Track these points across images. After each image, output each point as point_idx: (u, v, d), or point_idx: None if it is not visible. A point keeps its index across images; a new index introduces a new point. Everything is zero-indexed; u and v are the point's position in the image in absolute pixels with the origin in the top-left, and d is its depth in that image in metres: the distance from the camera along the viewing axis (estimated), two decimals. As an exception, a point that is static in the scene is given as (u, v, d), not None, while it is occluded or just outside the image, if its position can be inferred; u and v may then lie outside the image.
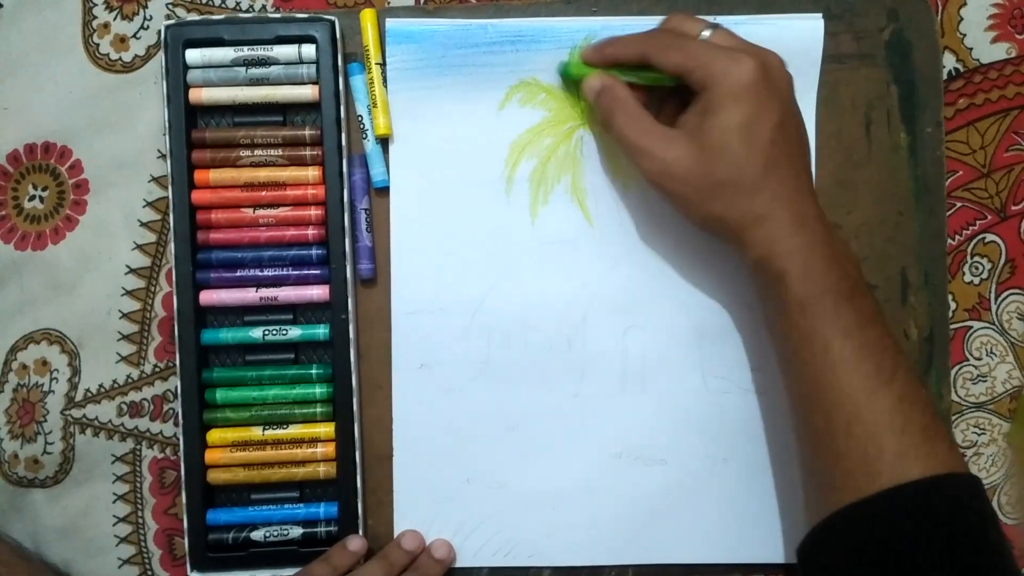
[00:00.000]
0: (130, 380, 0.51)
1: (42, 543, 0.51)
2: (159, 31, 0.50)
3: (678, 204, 0.44)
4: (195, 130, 0.49)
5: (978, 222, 0.52)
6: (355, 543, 0.48)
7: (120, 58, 0.50)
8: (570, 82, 0.49)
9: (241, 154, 0.49)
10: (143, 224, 0.51)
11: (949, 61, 0.51)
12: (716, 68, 0.42)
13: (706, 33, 0.44)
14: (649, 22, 0.49)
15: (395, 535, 0.50)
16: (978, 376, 0.52)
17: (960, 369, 0.52)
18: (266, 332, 0.49)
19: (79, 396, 0.51)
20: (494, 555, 0.50)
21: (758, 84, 0.41)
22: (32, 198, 0.51)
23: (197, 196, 0.48)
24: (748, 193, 0.42)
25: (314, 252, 0.49)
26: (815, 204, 0.43)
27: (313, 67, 0.48)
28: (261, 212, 0.49)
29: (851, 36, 0.50)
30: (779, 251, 0.42)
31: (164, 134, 0.49)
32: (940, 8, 0.51)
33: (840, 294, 0.41)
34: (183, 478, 0.48)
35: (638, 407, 0.50)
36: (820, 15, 0.50)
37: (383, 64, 0.50)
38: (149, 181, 0.51)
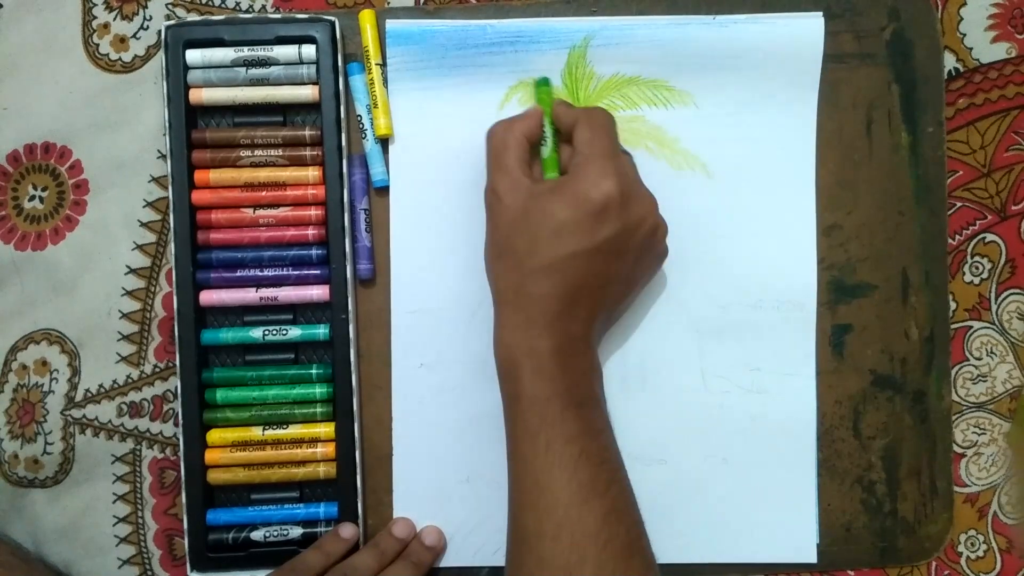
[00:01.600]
0: (130, 380, 0.51)
1: (42, 543, 0.51)
2: (159, 31, 0.50)
3: (486, 237, 0.46)
4: (195, 130, 0.49)
5: (978, 222, 0.52)
6: (347, 530, 0.48)
7: (120, 58, 0.50)
8: (534, 90, 0.49)
9: (241, 154, 0.49)
10: (143, 224, 0.51)
11: (949, 61, 0.51)
12: (587, 166, 0.43)
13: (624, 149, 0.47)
14: (649, 22, 0.49)
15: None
16: (978, 376, 0.52)
17: (960, 369, 0.52)
18: (266, 332, 0.49)
19: (79, 396, 0.51)
20: (494, 554, 0.50)
21: (601, 205, 0.42)
22: (32, 198, 0.51)
23: (197, 196, 0.48)
24: (522, 275, 0.43)
25: (314, 252, 0.49)
26: (583, 330, 0.44)
27: (313, 67, 0.48)
28: (261, 212, 0.49)
29: (852, 35, 0.50)
30: (520, 346, 0.43)
31: (164, 134, 0.49)
32: (940, 8, 0.51)
33: (570, 401, 0.42)
34: (183, 478, 0.48)
35: (638, 407, 0.50)
36: (821, 14, 0.50)
37: (383, 64, 0.50)
38: (149, 181, 0.51)
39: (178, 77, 0.48)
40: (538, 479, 0.42)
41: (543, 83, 0.48)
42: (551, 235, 0.42)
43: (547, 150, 0.46)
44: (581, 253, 0.42)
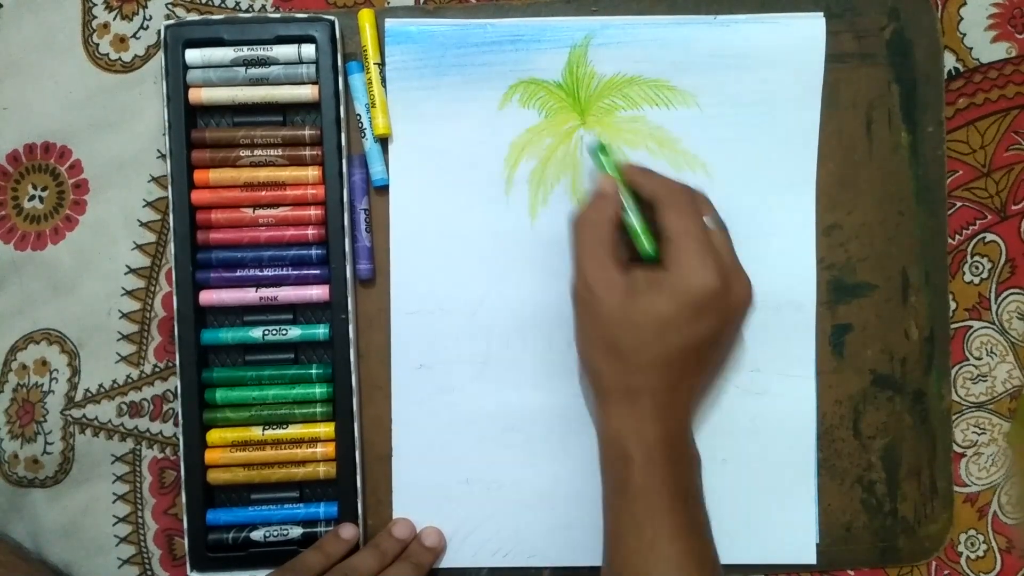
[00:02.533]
0: (130, 380, 0.51)
1: (42, 543, 0.51)
2: (159, 31, 0.50)
3: (577, 332, 0.46)
4: (195, 130, 0.49)
5: (978, 222, 0.52)
6: (348, 531, 0.48)
7: (120, 58, 0.50)
8: (594, 159, 0.48)
9: (241, 154, 0.49)
10: (143, 224, 0.51)
11: (949, 61, 0.51)
12: (685, 257, 0.43)
13: (707, 220, 0.45)
14: (650, 21, 0.49)
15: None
16: (978, 376, 0.52)
17: (960, 369, 0.52)
18: (266, 332, 0.49)
19: (79, 396, 0.51)
20: (493, 555, 0.50)
21: (705, 297, 0.42)
22: (32, 198, 0.51)
23: (197, 196, 0.48)
24: (631, 370, 0.43)
25: (314, 252, 0.49)
26: (685, 414, 0.45)
27: (313, 67, 0.48)
28: (261, 212, 0.49)
29: (852, 35, 0.50)
30: (631, 435, 0.43)
31: (164, 134, 0.49)
32: (940, 8, 0.51)
33: (675, 493, 0.42)
34: (183, 478, 0.48)
35: (638, 407, 0.50)
36: (821, 14, 0.50)
37: (382, 64, 0.49)
38: (149, 181, 0.51)
39: (178, 77, 0.48)
40: (636, 571, 0.42)
41: (603, 151, 0.47)
42: (656, 332, 0.42)
43: (636, 221, 0.45)
44: (686, 347, 0.43)
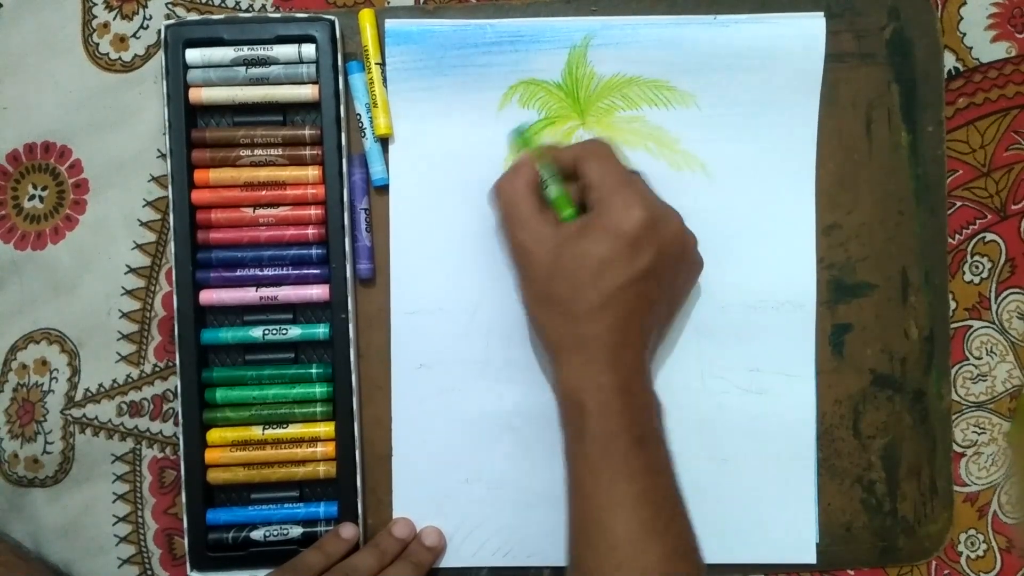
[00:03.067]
0: (130, 380, 0.51)
1: (42, 543, 0.51)
2: (159, 31, 0.50)
3: (521, 290, 0.46)
4: (195, 130, 0.49)
5: (978, 221, 0.52)
6: (348, 531, 0.48)
7: (120, 58, 0.50)
8: (511, 141, 0.49)
9: (241, 154, 0.49)
10: (143, 224, 0.51)
11: (949, 60, 0.51)
12: (610, 200, 0.43)
13: (633, 169, 0.46)
14: (650, 22, 0.49)
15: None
16: (978, 375, 0.52)
17: (960, 368, 0.52)
18: (266, 332, 0.49)
19: (79, 396, 0.51)
20: (493, 555, 0.50)
21: (635, 234, 0.42)
22: (32, 198, 0.51)
23: (197, 196, 0.48)
24: (575, 319, 0.43)
25: (314, 252, 0.49)
26: (637, 358, 0.44)
27: (313, 67, 0.48)
28: (261, 212, 0.49)
29: (852, 35, 0.50)
30: (585, 385, 0.43)
31: (164, 134, 0.49)
32: (940, 7, 0.51)
33: (633, 438, 0.42)
34: (183, 478, 0.48)
35: (638, 407, 0.50)
36: (821, 14, 0.50)
37: (383, 64, 0.50)
38: (149, 181, 0.51)
39: (178, 76, 0.48)
40: (599, 516, 0.42)
41: (519, 132, 0.48)
42: (592, 275, 0.42)
43: (554, 190, 0.45)
44: (625, 285, 0.42)
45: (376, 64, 0.49)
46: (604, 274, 0.42)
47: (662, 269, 0.44)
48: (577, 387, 0.43)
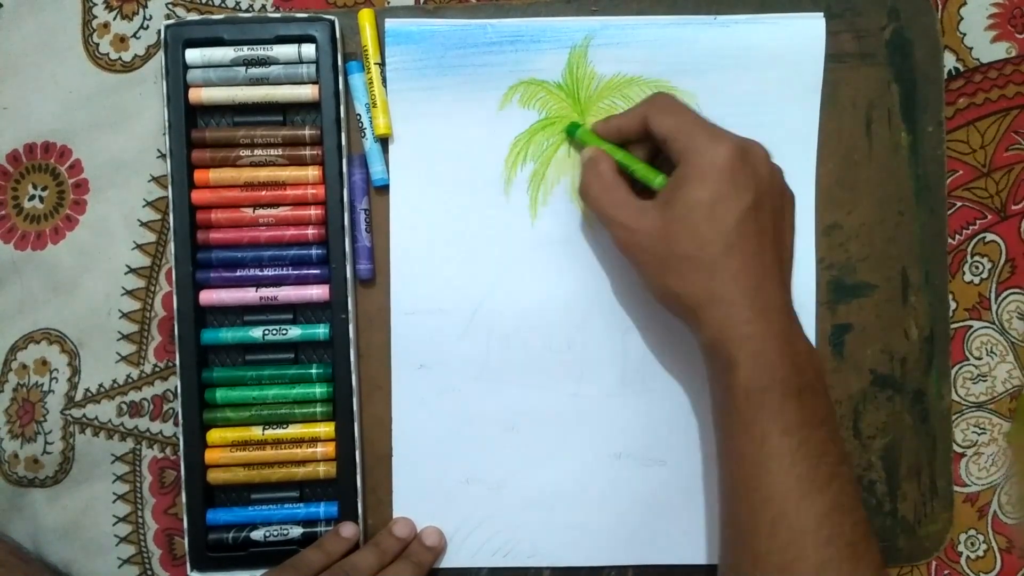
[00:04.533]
0: (130, 380, 0.51)
1: (42, 543, 0.51)
2: (159, 31, 0.50)
3: (642, 275, 0.44)
4: (195, 130, 0.49)
5: (978, 221, 0.52)
6: (348, 529, 0.48)
7: (120, 58, 0.50)
8: (575, 143, 0.49)
9: (241, 154, 0.49)
10: (143, 224, 0.51)
11: (949, 60, 0.51)
12: (695, 143, 0.42)
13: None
14: (650, 22, 0.49)
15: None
16: (978, 376, 0.52)
17: (960, 368, 0.52)
18: (266, 332, 0.49)
19: (79, 396, 0.51)
20: (493, 555, 0.50)
21: (731, 166, 0.41)
22: (32, 198, 0.51)
23: (197, 196, 0.48)
24: (706, 271, 0.41)
25: (314, 252, 0.49)
26: (781, 294, 0.42)
27: (313, 67, 0.48)
28: (261, 212, 0.49)
29: (851, 35, 0.50)
30: (731, 336, 0.41)
31: (164, 134, 0.49)
32: (940, 7, 0.51)
33: (788, 390, 0.40)
34: (183, 478, 0.48)
35: (637, 407, 0.50)
36: (821, 14, 0.50)
37: (382, 64, 0.50)
38: (149, 181, 0.51)
39: (178, 76, 0.48)
40: (753, 472, 0.40)
41: (573, 128, 0.48)
42: (707, 220, 0.41)
43: (636, 167, 0.45)
44: (741, 220, 0.41)
45: (376, 64, 0.49)
46: (717, 216, 0.41)
47: (766, 198, 0.42)
48: (721, 339, 0.41)
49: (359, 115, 0.50)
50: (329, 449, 0.49)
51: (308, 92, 0.49)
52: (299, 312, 0.50)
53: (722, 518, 0.43)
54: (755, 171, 0.42)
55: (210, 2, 0.51)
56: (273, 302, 0.49)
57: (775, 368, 0.40)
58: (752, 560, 0.39)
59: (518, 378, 0.50)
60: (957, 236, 0.52)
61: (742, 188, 0.41)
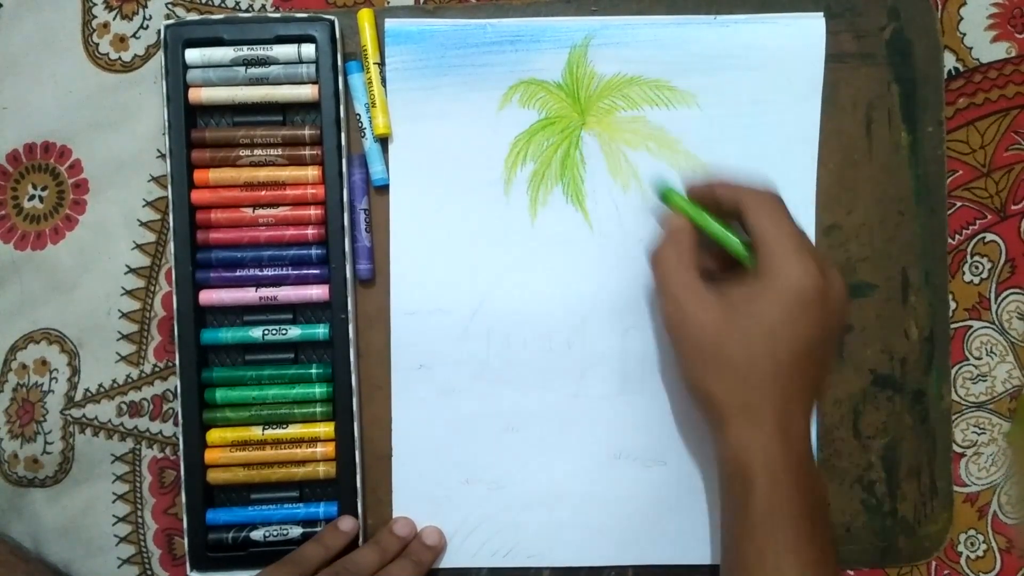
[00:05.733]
0: (130, 380, 0.51)
1: (42, 543, 0.51)
2: (159, 31, 0.50)
3: (682, 362, 0.44)
4: (195, 130, 0.49)
5: (978, 221, 0.52)
6: (347, 523, 0.48)
7: (120, 58, 0.50)
8: (662, 199, 0.47)
9: (241, 154, 0.49)
10: (143, 224, 0.51)
11: (949, 60, 0.51)
12: (782, 258, 0.41)
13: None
14: (650, 21, 0.49)
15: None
16: (978, 376, 0.52)
17: (960, 369, 0.52)
18: (266, 332, 0.49)
19: (79, 396, 0.51)
20: (493, 555, 0.50)
21: (810, 297, 0.41)
22: (32, 198, 0.51)
23: (197, 196, 0.48)
24: (747, 384, 0.41)
25: (314, 252, 0.49)
26: (806, 426, 0.43)
27: (313, 67, 0.48)
28: (261, 212, 0.49)
29: (852, 35, 0.50)
30: (754, 456, 0.41)
31: (164, 134, 0.49)
32: (940, 7, 0.51)
33: (800, 512, 0.41)
34: (183, 478, 0.48)
35: (637, 408, 0.50)
36: (821, 14, 0.50)
37: (382, 64, 0.49)
38: (149, 181, 0.51)
39: (177, 76, 0.48)
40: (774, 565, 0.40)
41: (668, 192, 0.46)
42: (766, 339, 0.41)
43: (723, 233, 0.44)
44: (800, 351, 0.41)
45: (375, 64, 0.49)
46: (778, 339, 0.41)
47: (831, 333, 0.43)
48: (745, 457, 0.41)
49: (359, 115, 0.50)
50: (329, 449, 0.49)
51: (308, 92, 0.49)
52: (299, 312, 0.50)
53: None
54: (831, 307, 0.42)
55: (210, 2, 0.51)
56: (273, 302, 0.49)
57: (791, 489, 0.41)
58: None
59: (518, 378, 0.50)
60: (957, 236, 0.52)
61: (813, 321, 0.41)
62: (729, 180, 0.45)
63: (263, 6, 0.51)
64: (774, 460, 0.41)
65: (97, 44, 0.50)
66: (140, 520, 0.51)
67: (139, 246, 0.51)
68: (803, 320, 0.41)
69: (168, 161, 0.48)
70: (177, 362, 0.48)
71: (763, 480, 0.41)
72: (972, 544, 0.52)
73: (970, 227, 0.52)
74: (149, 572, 0.51)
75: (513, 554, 0.50)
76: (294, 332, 0.49)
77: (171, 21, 0.49)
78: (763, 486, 0.41)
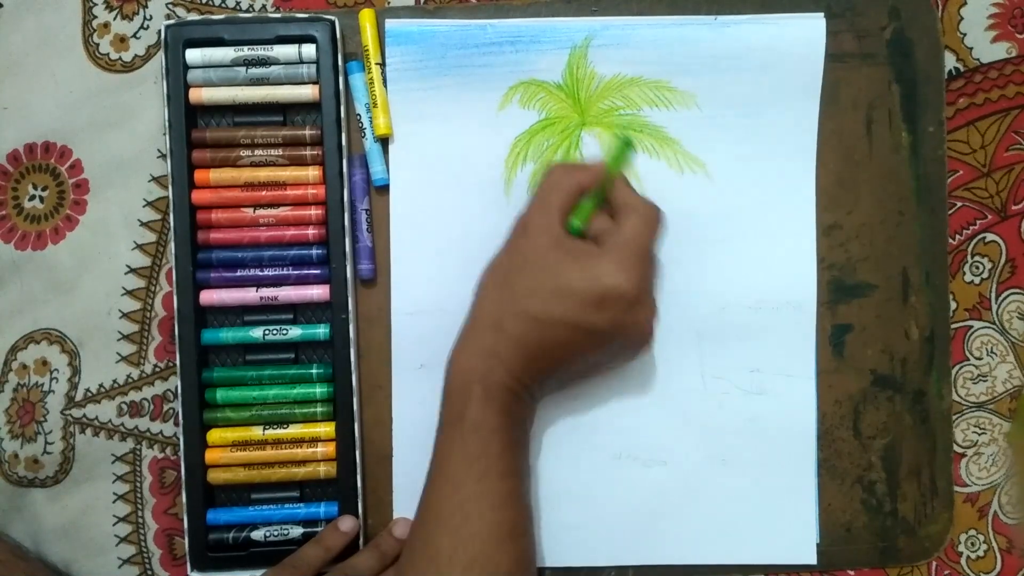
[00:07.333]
0: (130, 380, 0.51)
1: (42, 543, 0.51)
2: (159, 31, 0.50)
3: (497, 255, 0.46)
4: (195, 130, 0.49)
5: (978, 222, 0.52)
6: (347, 523, 0.48)
7: (120, 58, 0.50)
8: (614, 148, 0.47)
9: (241, 154, 0.49)
10: (143, 224, 0.51)
11: (949, 61, 0.51)
12: (620, 256, 0.43)
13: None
14: (650, 22, 0.49)
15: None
16: (978, 376, 0.52)
17: (960, 369, 0.52)
18: (266, 332, 0.49)
19: (79, 396, 0.51)
20: (494, 555, 0.50)
21: (616, 298, 0.42)
22: (32, 198, 0.51)
23: (197, 196, 0.48)
24: (515, 314, 0.43)
25: (314, 252, 0.49)
26: (534, 380, 0.45)
27: (313, 67, 0.48)
28: (261, 212, 0.49)
29: (852, 35, 0.50)
30: (480, 371, 0.43)
31: (164, 134, 0.49)
32: (940, 7, 0.51)
33: (511, 439, 0.44)
34: (183, 478, 0.48)
35: (638, 408, 0.50)
36: (822, 14, 0.50)
37: (383, 64, 0.49)
38: (149, 181, 0.51)
39: (178, 76, 0.48)
40: (464, 506, 0.42)
41: (627, 145, 0.46)
42: (553, 293, 0.43)
43: (587, 203, 0.45)
44: (570, 324, 0.43)
45: (376, 64, 0.49)
46: (562, 300, 0.42)
47: (606, 339, 0.44)
48: (470, 369, 0.44)
49: (359, 115, 0.50)
50: (329, 449, 0.49)
51: (308, 92, 0.49)
52: (299, 312, 0.50)
53: (418, 537, 0.44)
54: (624, 319, 0.43)
55: (210, 2, 0.51)
56: (273, 302, 0.49)
57: (503, 416, 0.44)
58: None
59: (518, 378, 0.50)
60: (957, 236, 0.52)
61: (598, 313, 0.42)
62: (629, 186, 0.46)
63: (264, 6, 0.51)
64: (495, 383, 0.43)
65: (97, 44, 0.50)
66: (140, 520, 0.51)
67: (139, 246, 0.51)
68: (592, 308, 0.42)
69: (168, 161, 0.48)
70: (178, 362, 0.48)
71: (480, 393, 0.43)
72: (972, 544, 0.52)
73: (970, 227, 0.52)
74: (149, 572, 0.51)
75: (513, 554, 0.50)
76: (295, 332, 0.49)
77: (171, 21, 0.49)
78: (479, 398, 0.43)
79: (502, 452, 0.43)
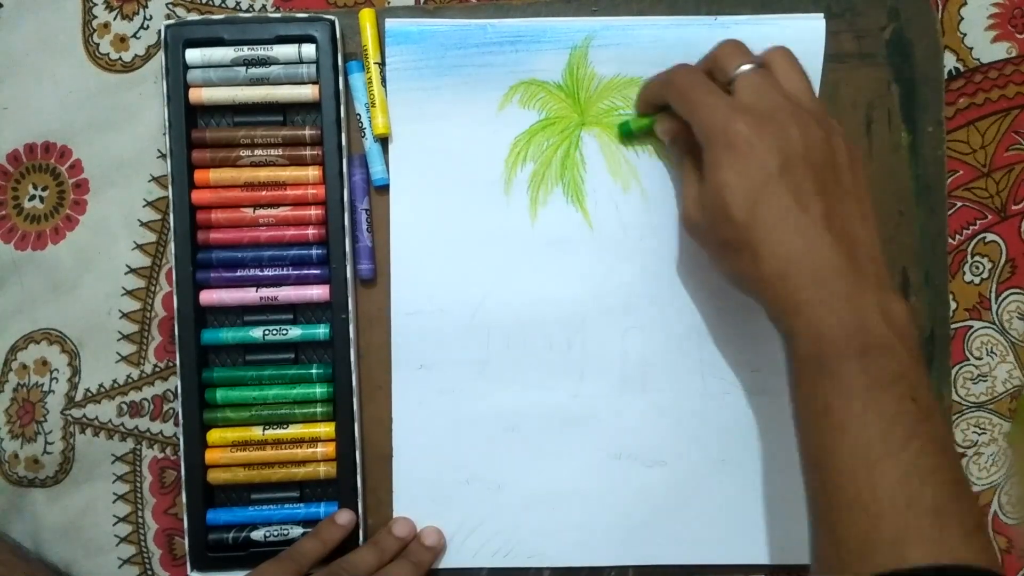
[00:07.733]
0: (130, 380, 0.51)
1: (42, 543, 0.51)
2: (159, 31, 0.50)
3: (710, 259, 0.44)
4: (195, 130, 0.49)
5: (978, 222, 0.52)
6: (344, 516, 0.48)
7: (120, 58, 0.50)
8: (633, 127, 0.49)
9: (241, 154, 0.49)
10: (143, 224, 0.51)
11: (949, 61, 0.51)
12: (710, 129, 0.40)
13: (745, 68, 0.42)
14: (651, 22, 0.49)
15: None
16: (978, 376, 0.52)
17: (960, 369, 0.52)
18: (266, 332, 0.49)
19: (79, 396, 0.51)
20: (493, 555, 0.50)
21: (747, 140, 0.39)
22: (32, 198, 0.51)
23: (197, 196, 0.48)
24: (749, 253, 0.40)
25: (314, 252, 0.49)
26: (836, 254, 0.38)
27: (313, 67, 0.48)
28: (261, 212, 0.49)
29: (852, 35, 0.50)
30: (785, 309, 0.39)
31: (164, 134, 0.49)
32: (940, 7, 0.51)
33: (848, 352, 0.37)
34: (183, 478, 0.48)
35: (637, 408, 0.50)
36: (821, 15, 0.50)
37: (382, 64, 0.49)
38: (149, 181, 0.51)
39: (178, 76, 0.48)
40: (820, 445, 0.37)
41: (626, 124, 0.49)
42: (736, 200, 0.40)
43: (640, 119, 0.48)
44: (768, 186, 0.39)
45: (376, 64, 0.49)
46: (743, 193, 0.39)
47: (798, 159, 0.39)
48: (777, 314, 0.39)
49: (359, 115, 0.50)
50: (329, 449, 0.49)
51: (308, 92, 0.49)
52: (299, 312, 0.50)
53: (807, 506, 0.40)
54: (778, 135, 0.39)
55: (210, 2, 0.51)
56: (273, 302, 0.49)
57: (833, 332, 0.37)
58: (833, 546, 0.36)
59: (518, 378, 0.50)
60: (957, 236, 0.52)
61: (763, 156, 0.39)
62: (652, 78, 0.47)
63: (263, 6, 0.51)
64: (808, 302, 0.38)
65: (97, 44, 0.50)
66: (140, 520, 0.51)
67: (139, 246, 0.51)
68: (754, 161, 0.39)
69: (168, 161, 0.48)
70: (177, 362, 0.48)
71: (799, 326, 0.38)
72: (972, 544, 0.52)
73: (970, 227, 0.52)
74: (149, 572, 0.51)
75: (513, 554, 0.50)
76: (295, 332, 0.49)
77: (171, 21, 0.49)
78: (800, 332, 0.38)
79: (840, 369, 0.37)
